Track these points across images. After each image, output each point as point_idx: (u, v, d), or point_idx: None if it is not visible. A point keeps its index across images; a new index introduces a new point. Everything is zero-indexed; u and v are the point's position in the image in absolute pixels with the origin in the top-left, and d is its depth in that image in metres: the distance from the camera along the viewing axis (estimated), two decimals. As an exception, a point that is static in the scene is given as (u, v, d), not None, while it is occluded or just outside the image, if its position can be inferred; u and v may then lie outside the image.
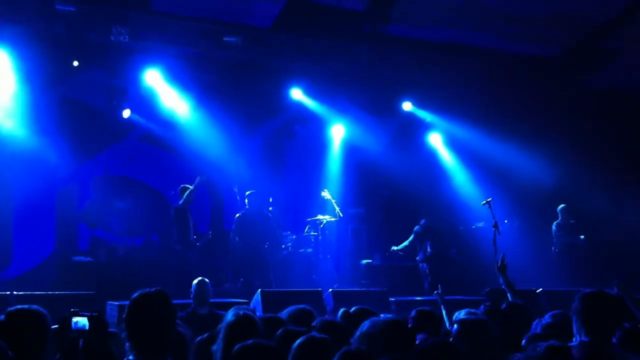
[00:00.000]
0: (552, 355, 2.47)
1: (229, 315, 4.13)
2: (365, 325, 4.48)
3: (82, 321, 3.47)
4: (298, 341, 3.80)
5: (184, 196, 11.10)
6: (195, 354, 4.59)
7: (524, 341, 4.93)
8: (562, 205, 13.20)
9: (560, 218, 13.19)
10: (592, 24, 12.74)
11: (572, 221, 13.16)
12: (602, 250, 13.18)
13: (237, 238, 11.79)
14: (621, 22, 12.56)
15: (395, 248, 12.89)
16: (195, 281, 7.50)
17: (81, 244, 12.95)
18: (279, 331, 4.10)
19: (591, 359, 2.62)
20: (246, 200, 11.85)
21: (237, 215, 11.85)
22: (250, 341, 3.56)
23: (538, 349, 3.51)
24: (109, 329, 3.62)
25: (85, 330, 3.45)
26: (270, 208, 12.60)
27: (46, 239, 12.66)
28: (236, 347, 3.55)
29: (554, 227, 13.19)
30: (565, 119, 14.15)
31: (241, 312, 4.14)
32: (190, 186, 11.19)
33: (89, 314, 3.52)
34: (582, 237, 13.15)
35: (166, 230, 12.52)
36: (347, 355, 3.42)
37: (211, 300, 7.69)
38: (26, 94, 11.73)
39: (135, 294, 3.57)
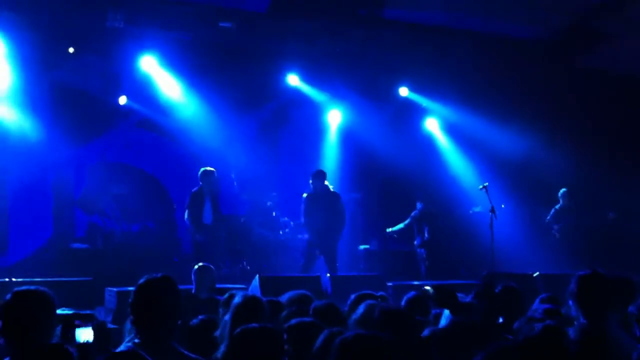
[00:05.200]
0: (548, 334, 2.50)
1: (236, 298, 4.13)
2: (360, 309, 4.52)
3: (85, 334, 3.46)
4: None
5: None
6: (189, 338, 4.60)
7: (516, 324, 4.96)
8: (563, 190, 13.04)
9: (561, 202, 13.03)
10: (585, 6, 12.73)
11: (571, 205, 13.01)
12: (596, 233, 13.18)
13: (303, 219, 11.41)
14: (613, 6, 12.56)
15: (390, 230, 12.90)
16: (196, 266, 7.49)
17: (78, 230, 12.91)
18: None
19: (586, 342, 2.63)
20: (310, 181, 11.31)
21: (305, 195, 11.38)
22: (254, 325, 3.59)
23: (535, 328, 3.52)
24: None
25: (89, 343, 3.45)
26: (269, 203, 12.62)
27: (43, 225, 12.59)
28: (238, 330, 3.58)
29: (552, 212, 13.04)
30: (562, 102, 14.10)
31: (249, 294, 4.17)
32: (211, 168, 10.98)
33: (91, 324, 3.51)
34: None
35: (162, 216, 12.50)
36: (331, 335, 3.48)
37: (218, 286, 7.60)
38: (21, 80, 11.67)
39: (142, 280, 3.58)
